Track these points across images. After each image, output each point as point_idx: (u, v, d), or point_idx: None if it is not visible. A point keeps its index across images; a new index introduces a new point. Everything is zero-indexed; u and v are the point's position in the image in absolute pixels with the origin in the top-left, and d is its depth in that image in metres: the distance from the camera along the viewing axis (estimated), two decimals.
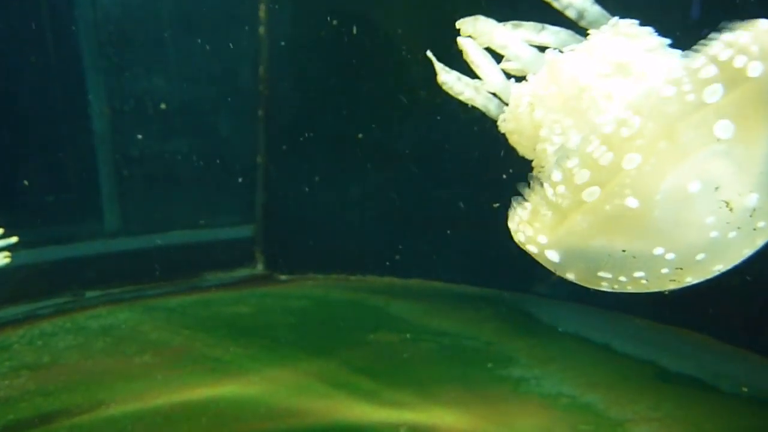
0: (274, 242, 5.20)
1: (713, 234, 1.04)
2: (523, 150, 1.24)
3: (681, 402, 3.01)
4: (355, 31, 4.81)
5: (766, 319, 3.32)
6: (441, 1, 4.40)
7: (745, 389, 3.08)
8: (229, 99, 5.20)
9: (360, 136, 4.83)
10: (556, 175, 1.06)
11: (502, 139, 1.33)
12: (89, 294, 4.46)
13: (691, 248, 1.06)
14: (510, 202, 1.25)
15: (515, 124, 1.22)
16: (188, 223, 5.08)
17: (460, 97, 1.33)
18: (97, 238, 4.79)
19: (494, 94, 1.29)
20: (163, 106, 4.83)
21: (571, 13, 1.21)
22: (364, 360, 3.45)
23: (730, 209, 1.01)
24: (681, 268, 1.10)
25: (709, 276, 1.13)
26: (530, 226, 1.15)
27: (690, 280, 1.16)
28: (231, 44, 5.09)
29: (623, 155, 0.98)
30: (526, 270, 4.41)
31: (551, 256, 1.15)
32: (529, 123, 1.18)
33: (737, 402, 3.01)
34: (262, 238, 5.22)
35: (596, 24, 1.20)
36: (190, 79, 5.05)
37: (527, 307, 4.20)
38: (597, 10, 1.21)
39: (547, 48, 1.22)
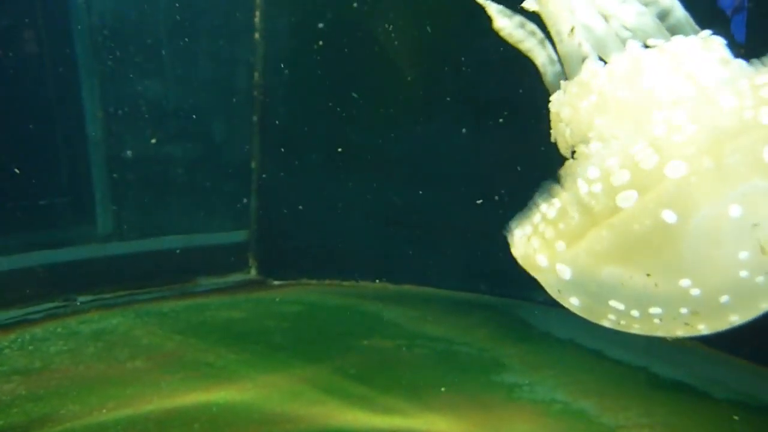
0: (268, 247, 5.20)
1: (743, 274, 0.95)
2: (562, 142, 1.10)
3: (673, 408, 3.02)
4: (349, 37, 4.83)
5: (757, 327, 3.34)
6: (435, 11, 4.43)
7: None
8: (224, 104, 5.20)
9: (354, 143, 4.84)
10: (593, 172, 0.96)
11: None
12: (81, 298, 4.43)
13: (718, 287, 0.97)
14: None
15: (571, 114, 1.06)
16: (182, 227, 5.07)
17: (520, 46, 1.14)
18: (89, 242, 4.77)
19: (559, 61, 1.11)
20: (153, 140, 4.84)
21: (652, 12, 1.06)
22: (358, 366, 3.44)
23: (764, 252, 0.92)
24: (698, 312, 1.02)
25: (721, 327, 1.06)
26: (553, 227, 1.03)
27: (702, 328, 1.08)
28: (226, 50, 5.10)
29: (668, 161, 0.89)
30: (520, 276, 4.43)
31: (562, 272, 1.04)
32: (587, 119, 1.03)
33: (729, 408, 3.03)
34: (255, 244, 5.22)
35: (680, 30, 1.06)
36: (185, 84, 5.05)
37: (521, 314, 4.21)
38: (683, 15, 1.07)
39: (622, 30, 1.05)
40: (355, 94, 4.84)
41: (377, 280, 4.86)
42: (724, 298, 0.98)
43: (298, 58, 4.95)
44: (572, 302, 1.09)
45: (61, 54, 4.64)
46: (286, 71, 5.07)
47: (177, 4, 4.95)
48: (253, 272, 5.16)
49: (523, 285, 4.39)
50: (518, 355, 3.57)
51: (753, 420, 2.94)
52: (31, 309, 4.20)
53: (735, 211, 0.88)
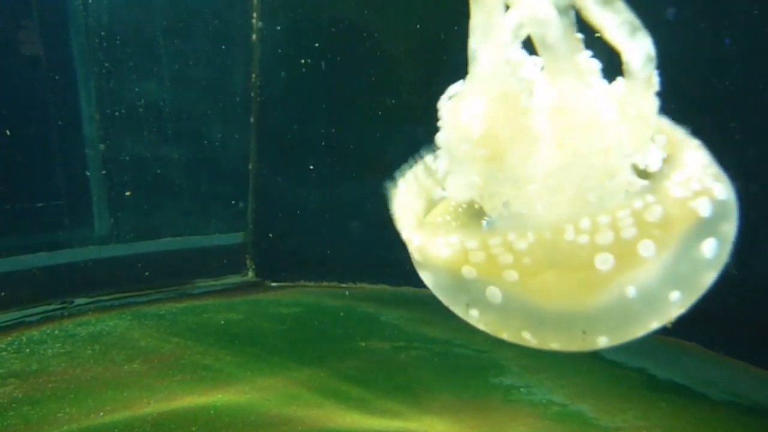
0: (265, 250, 5.19)
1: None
2: (471, 161, 1.04)
3: (670, 410, 3.02)
4: (346, 39, 4.83)
5: (754, 328, 3.36)
6: (430, 12, 4.44)
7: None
8: (221, 106, 5.20)
9: (351, 146, 4.84)
10: (494, 239, 0.97)
11: None
12: (78, 301, 4.43)
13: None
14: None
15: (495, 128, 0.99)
16: (179, 230, 5.07)
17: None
18: (86, 244, 4.76)
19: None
20: (153, 154, 4.83)
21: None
22: (355, 368, 3.44)
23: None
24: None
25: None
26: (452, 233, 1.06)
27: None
28: (223, 52, 5.10)
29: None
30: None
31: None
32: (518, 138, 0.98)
33: (725, 410, 3.04)
34: (252, 246, 5.22)
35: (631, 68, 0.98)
36: (182, 86, 5.05)
37: None
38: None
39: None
40: (352, 96, 4.84)
41: (375, 282, 4.86)
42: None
43: (295, 60, 4.96)
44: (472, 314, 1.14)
45: (57, 56, 4.64)
46: (284, 73, 5.07)
47: (174, 7, 4.95)
48: (251, 274, 5.15)
49: None
50: (515, 358, 3.57)
51: (750, 422, 2.95)
52: (27, 311, 4.19)
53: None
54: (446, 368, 3.48)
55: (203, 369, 3.38)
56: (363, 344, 3.81)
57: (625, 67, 0.99)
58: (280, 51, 5.03)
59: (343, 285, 4.92)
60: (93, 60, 4.69)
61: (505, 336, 1.09)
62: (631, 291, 0.99)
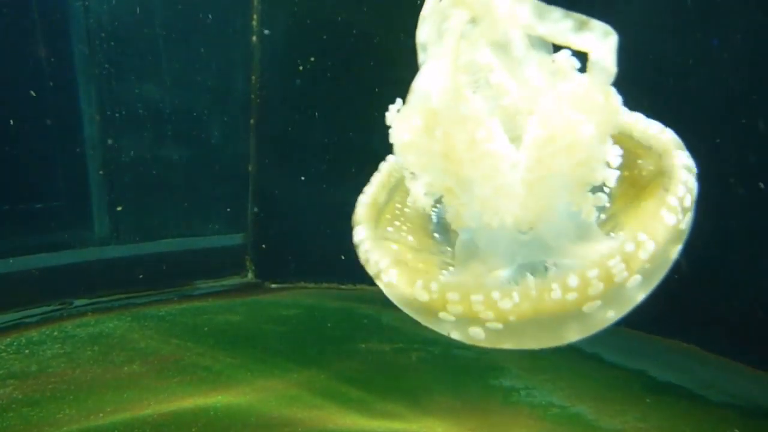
0: (265, 251, 5.19)
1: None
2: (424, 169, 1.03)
3: (669, 412, 3.03)
4: (346, 40, 4.83)
5: (753, 330, 3.36)
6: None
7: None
8: (221, 108, 5.20)
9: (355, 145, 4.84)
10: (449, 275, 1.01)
11: None
12: (78, 302, 4.42)
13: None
14: None
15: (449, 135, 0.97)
16: (179, 231, 5.06)
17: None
18: (86, 245, 4.76)
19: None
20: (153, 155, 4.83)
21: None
22: (355, 370, 3.44)
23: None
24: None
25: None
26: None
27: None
28: (223, 53, 5.10)
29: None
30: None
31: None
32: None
33: (725, 412, 3.04)
34: (252, 247, 5.22)
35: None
36: (182, 88, 5.05)
37: None
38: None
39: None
40: (351, 98, 4.84)
41: (375, 284, 4.85)
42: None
43: (295, 61, 4.96)
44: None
45: (58, 58, 4.64)
46: (284, 75, 5.07)
47: (174, 9, 4.95)
48: (251, 275, 5.15)
49: None
50: (515, 360, 3.57)
51: (749, 424, 2.95)
52: (27, 312, 4.19)
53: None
54: (446, 370, 3.48)
55: (203, 370, 3.38)
56: (363, 346, 3.81)
57: (588, 64, 0.98)
58: (279, 53, 5.03)
59: (343, 286, 4.92)
60: (94, 62, 4.69)
61: (483, 344, 1.07)
62: (609, 312, 0.99)
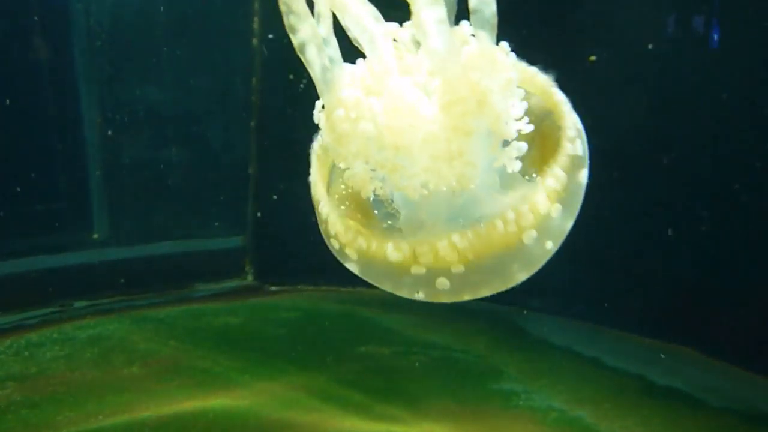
0: (265, 253, 5.19)
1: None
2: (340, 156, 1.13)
3: (669, 417, 3.02)
4: (347, 41, 4.83)
5: (754, 335, 3.36)
6: None
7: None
8: (222, 110, 5.20)
9: None
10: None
11: None
12: (77, 304, 4.42)
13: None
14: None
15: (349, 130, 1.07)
16: (178, 233, 5.06)
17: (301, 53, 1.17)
18: (86, 247, 4.75)
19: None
20: (153, 157, 4.82)
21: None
22: (355, 373, 3.44)
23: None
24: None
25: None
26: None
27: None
28: (224, 55, 5.10)
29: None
30: (518, 284, 4.44)
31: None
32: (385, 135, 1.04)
33: (725, 417, 3.03)
34: (252, 249, 5.21)
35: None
36: (183, 89, 5.06)
37: (518, 321, 4.21)
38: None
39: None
40: None
41: (375, 287, 4.85)
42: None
43: (296, 63, 4.95)
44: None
45: (59, 59, 4.64)
46: (285, 77, 5.08)
47: (175, 11, 4.96)
48: (250, 278, 5.15)
49: (519, 293, 4.41)
50: (515, 363, 3.56)
51: (750, 429, 2.95)
52: (26, 314, 4.18)
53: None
54: (445, 373, 3.48)
55: (202, 373, 3.38)
56: (362, 349, 3.81)
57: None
58: (281, 55, 5.04)
59: (343, 289, 4.91)
60: (95, 64, 4.70)
61: (444, 299, 1.14)
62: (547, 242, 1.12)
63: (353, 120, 1.06)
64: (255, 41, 4.99)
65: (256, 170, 5.15)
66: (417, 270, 1.06)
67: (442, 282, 1.07)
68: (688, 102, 3.55)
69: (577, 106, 1.19)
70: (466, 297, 1.13)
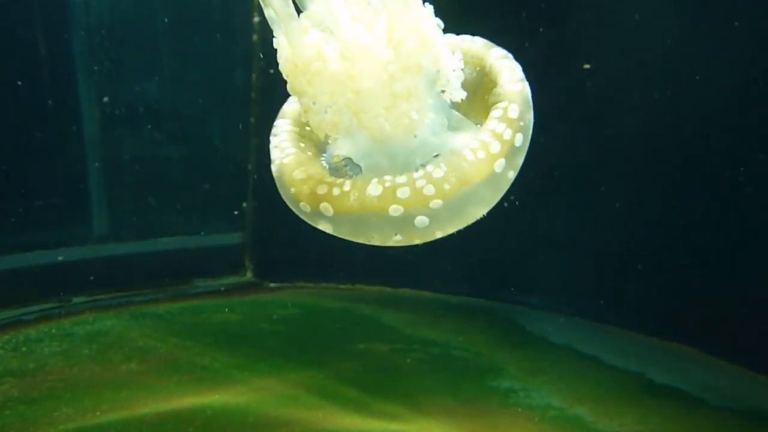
0: (264, 250, 5.18)
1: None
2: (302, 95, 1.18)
3: (668, 415, 3.02)
4: None
5: (753, 333, 3.35)
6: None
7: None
8: (221, 105, 5.19)
9: None
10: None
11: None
12: (76, 300, 4.41)
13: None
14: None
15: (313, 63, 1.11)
16: (178, 229, 5.05)
17: None
18: (85, 243, 4.74)
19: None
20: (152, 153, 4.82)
21: None
22: (353, 370, 3.44)
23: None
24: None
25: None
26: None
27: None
28: (223, 51, 5.09)
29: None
30: (517, 281, 4.44)
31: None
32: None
33: (724, 415, 3.03)
34: (251, 246, 5.21)
35: None
36: (182, 86, 5.04)
37: (517, 319, 4.21)
38: None
39: None
40: None
41: (374, 284, 4.85)
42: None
43: None
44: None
45: (58, 54, 4.63)
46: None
47: (175, 6, 4.94)
48: (249, 275, 5.14)
49: (519, 290, 4.42)
50: (514, 361, 3.56)
51: (749, 427, 2.95)
52: (25, 310, 4.18)
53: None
54: (444, 371, 3.47)
55: (201, 369, 3.37)
56: (361, 346, 3.81)
57: None
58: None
59: (342, 286, 4.91)
60: (93, 59, 4.68)
61: (417, 241, 1.17)
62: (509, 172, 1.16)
63: (324, 59, 1.10)
64: (255, 37, 4.97)
65: (256, 167, 5.14)
66: (395, 210, 1.06)
67: (421, 220, 1.08)
68: (689, 99, 3.54)
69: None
70: (438, 234, 1.16)
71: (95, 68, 4.68)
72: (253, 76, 5.04)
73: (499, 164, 1.10)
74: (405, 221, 1.08)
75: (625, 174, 3.86)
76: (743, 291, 3.43)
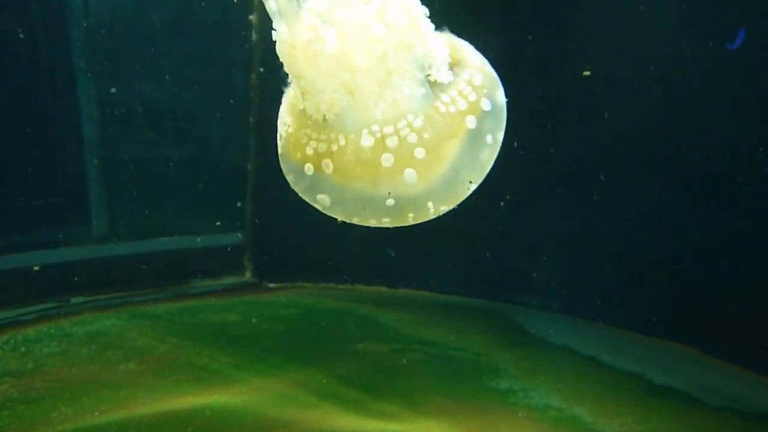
0: (263, 250, 5.18)
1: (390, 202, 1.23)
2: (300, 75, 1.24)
3: (667, 415, 3.02)
4: None
5: (753, 334, 3.35)
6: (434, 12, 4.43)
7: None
8: (220, 106, 5.19)
9: None
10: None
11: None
12: (75, 300, 4.41)
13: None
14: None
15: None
16: (177, 229, 5.05)
17: None
18: (84, 243, 4.74)
19: None
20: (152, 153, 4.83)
21: None
22: (352, 370, 3.43)
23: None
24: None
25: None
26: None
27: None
28: (223, 51, 5.09)
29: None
30: (515, 281, 4.44)
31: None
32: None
33: (723, 415, 3.03)
34: (251, 246, 5.20)
35: None
36: (182, 86, 5.04)
37: (516, 319, 4.21)
38: None
39: None
40: None
41: (373, 284, 4.85)
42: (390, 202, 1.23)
43: None
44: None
45: (57, 54, 4.62)
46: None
47: (174, 6, 4.94)
48: (248, 275, 5.14)
49: (518, 290, 4.42)
50: (513, 361, 3.56)
51: (748, 428, 2.94)
52: (24, 310, 4.17)
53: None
54: (443, 371, 3.47)
55: (199, 370, 3.37)
56: (360, 346, 3.80)
57: None
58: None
59: (341, 286, 4.91)
60: (93, 59, 4.68)
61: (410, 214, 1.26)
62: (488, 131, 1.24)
63: (322, 40, 1.15)
64: (254, 36, 4.97)
65: (255, 167, 5.14)
66: (386, 160, 1.13)
67: (410, 173, 1.15)
68: (688, 99, 3.54)
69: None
70: (431, 207, 1.24)
71: (95, 69, 4.68)
72: (252, 76, 5.04)
73: (470, 120, 1.17)
74: (395, 176, 1.15)
75: (624, 174, 3.86)
76: (742, 291, 3.43)
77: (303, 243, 5.03)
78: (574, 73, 3.86)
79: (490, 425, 2.90)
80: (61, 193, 4.74)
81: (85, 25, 4.64)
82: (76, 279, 4.54)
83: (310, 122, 1.30)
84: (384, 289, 4.79)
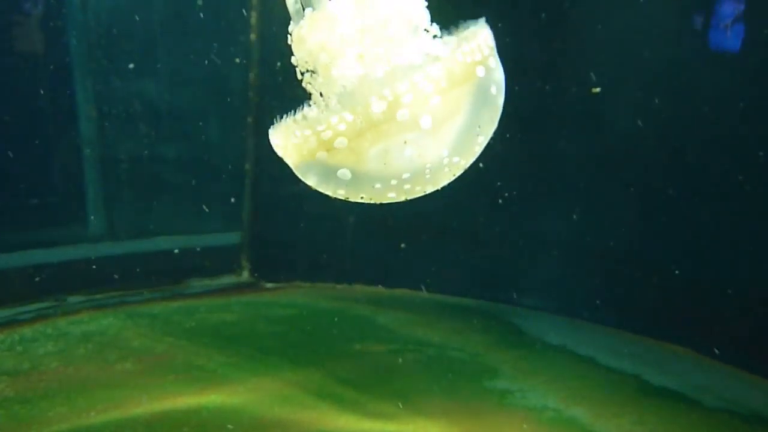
0: (261, 250, 5.18)
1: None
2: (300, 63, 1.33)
3: (664, 416, 3.02)
4: None
5: (749, 334, 3.36)
6: (433, 10, 4.43)
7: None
8: (218, 105, 5.18)
9: None
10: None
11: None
12: (72, 299, 4.40)
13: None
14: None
15: (317, 35, 1.28)
16: (174, 229, 5.04)
17: None
18: (81, 242, 4.73)
19: None
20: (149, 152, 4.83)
21: None
22: (350, 370, 3.43)
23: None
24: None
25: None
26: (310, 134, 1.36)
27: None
28: (221, 50, 5.08)
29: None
30: (513, 282, 4.44)
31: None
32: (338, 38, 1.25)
33: (720, 416, 3.04)
34: (248, 246, 5.20)
35: None
36: (180, 85, 5.03)
37: (513, 319, 4.21)
38: None
39: None
40: None
41: (371, 284, 4.85)
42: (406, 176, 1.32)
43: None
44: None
45: (55, 53, 4.61)
46: (282, 72, 5.05)
47: (172, 5, 4.93)
48: (246, 274, 5.13)
49: (515, 291, 4.42)
50: (510, 361, 3.56)
51: (745, 429, 2.95)
52: (20, 309, 4.16)
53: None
54: (441, 371, 3.47)
55: (196, 369, 3.36)
56: (358, 346, 3.80)
57: None
58: (278, 49, 5.01)
59: (339, 286, 4.91)
60: (91, 58, 4.67)
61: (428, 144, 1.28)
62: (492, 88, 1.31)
63: (343, 8, 1.24)
64: (253, 36, 4.96)
65: (253, 167, 5.13)
66: (402, 114, 1.18)
67: (426, 120, 1.19)
68: (687, 99, 3.54)
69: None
70: (445, 154, 1.27)
71: (92, 68, 4.67)
72: (251, 75, 5.03)
73: (480, 70, 1.24)
74: (411, 124, 1.19)
75: (621, 175, 3.86)
76: (739, 292, 3.43)
77: (300, 243, 5.03)
78: (573, 73, 3.87)
79: (488, 426, 2.90)
80: (58, 192, 4.73)
81: (82, 23, 4.63)
82: (73, 278, 4.54)
83: (309, 122, 1.36)
84: (382, 289, 4.79)
